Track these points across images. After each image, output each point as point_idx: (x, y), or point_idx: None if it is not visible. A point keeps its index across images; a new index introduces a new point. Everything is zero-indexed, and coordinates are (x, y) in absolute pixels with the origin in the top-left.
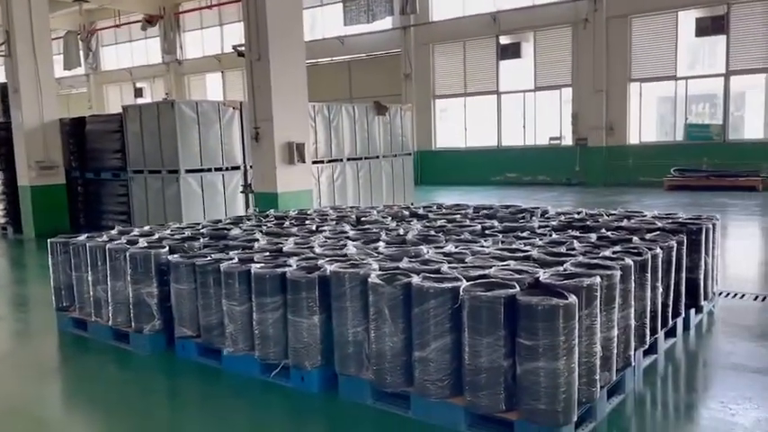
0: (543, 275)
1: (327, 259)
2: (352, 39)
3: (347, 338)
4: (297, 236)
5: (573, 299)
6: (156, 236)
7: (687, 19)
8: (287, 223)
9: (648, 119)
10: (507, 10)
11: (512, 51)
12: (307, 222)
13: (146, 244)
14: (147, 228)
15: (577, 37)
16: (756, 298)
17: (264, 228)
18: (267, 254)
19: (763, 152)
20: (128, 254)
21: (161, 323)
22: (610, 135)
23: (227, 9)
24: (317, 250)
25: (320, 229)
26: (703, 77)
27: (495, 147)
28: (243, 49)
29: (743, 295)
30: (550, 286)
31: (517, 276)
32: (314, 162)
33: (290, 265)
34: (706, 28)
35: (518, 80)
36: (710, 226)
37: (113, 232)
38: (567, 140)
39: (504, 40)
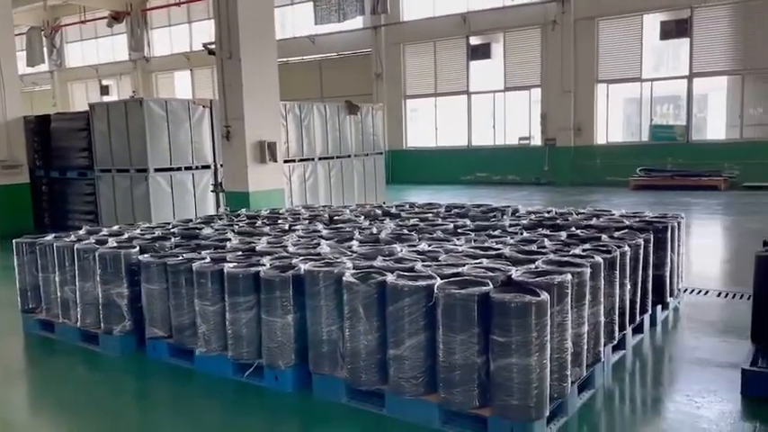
0: (515, 273)
1: (301, 258)
2: (322, 38)
3: (321, 337)
4: (269, 235)
5: (545, 296)
6: (126, 236)
7: (652, 22)
8: (259, 222)
9: (615, 119)
10: (477, 11)
11: (482, 52)
12: (279, 222)
13: (115, 244)
14: (116, 227)
15: (546, 38)
16: (719, 294)
17: (236, 227)
18: (240, 253)
19: (724, 152)
20: (97, 254)
21: (131, 324)
22: (577, 135)
23: (196, 6)
24: (291, 249)
25: (293, 228)
26: (667, 79)
27: (466, 146)
28: (213, 47)
29: (707, 292)
30: (523, 284)
31: (490, 274)
32: (285, 161)
33: (263, 265)
34: (670, 31)
35: (488, 80)
36: (676, 224)
37: (81, 232)
38: (536, 140)
39: (474, 40)
